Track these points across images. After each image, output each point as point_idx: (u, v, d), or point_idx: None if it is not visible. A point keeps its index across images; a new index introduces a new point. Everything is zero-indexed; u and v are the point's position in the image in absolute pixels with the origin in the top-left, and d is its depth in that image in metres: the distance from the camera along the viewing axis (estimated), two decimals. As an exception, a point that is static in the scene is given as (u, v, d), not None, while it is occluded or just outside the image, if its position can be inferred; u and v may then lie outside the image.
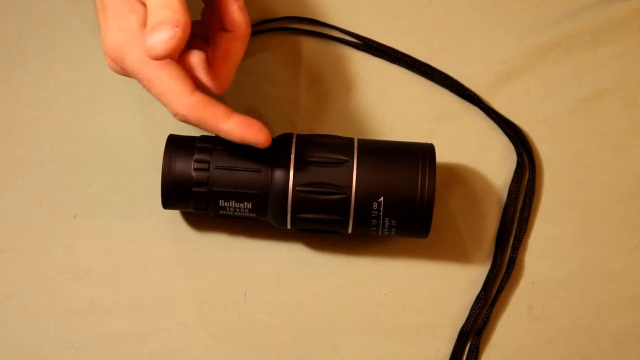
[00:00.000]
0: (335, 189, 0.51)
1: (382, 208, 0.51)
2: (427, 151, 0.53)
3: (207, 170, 0.52)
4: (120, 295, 0.56)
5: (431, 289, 0.57)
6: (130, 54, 0.48)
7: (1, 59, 0.60)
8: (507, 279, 0.56)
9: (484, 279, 0.56)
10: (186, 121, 0.49)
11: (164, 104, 0.49)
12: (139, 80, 0.49)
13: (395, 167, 0.52)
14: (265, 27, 0.61)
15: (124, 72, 0.50)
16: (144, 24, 0.48)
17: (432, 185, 0.51)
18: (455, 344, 0.55)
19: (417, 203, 0.51)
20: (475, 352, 0.55)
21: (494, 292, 0.56)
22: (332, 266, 0.57)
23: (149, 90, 0.49)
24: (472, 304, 0.56)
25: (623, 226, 0.58)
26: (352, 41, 0.61)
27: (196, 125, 0.49)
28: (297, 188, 0.51)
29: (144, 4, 0.47)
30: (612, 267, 0.57)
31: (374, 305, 0.56)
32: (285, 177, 0.51)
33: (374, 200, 0.51)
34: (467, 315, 0.56)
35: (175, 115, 0.49)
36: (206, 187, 0.52)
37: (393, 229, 0.52)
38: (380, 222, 0.52)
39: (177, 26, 0.45)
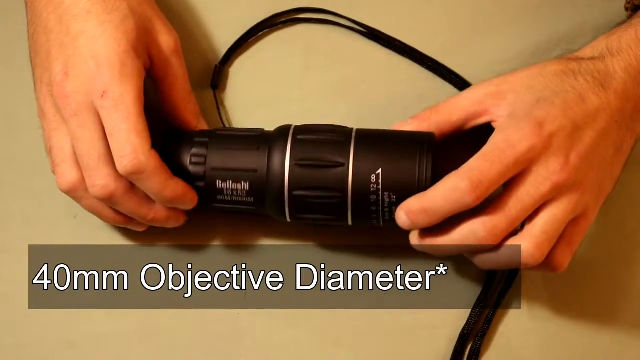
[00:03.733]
0: (332, 192, 0.51)
1: (380, 180, 0.50)
2: (425, 140, 0.51)
3: (203, 165, 0.52)
4: (120, 295, 0.56)
5: (431, 289, 0.57)
6: (126, 85, 0.50)
7: (1, 58, 0.60)
8: (507, 279, 0.56)
9: (484, 280, 0.56)
10: (137, 171, 0.49)
11: (129, 145, 0.49)
12: (114, 112, 0.49)
13: (392, 161, 0.51)
14: (277, 20, 0.62)
15: (78, 108, 0.50)
16: (142, 72, 0.51)
17: (430, 177, 0.50)
18: (455, 344, 0.55)
19: (416, 190, 0.50)
20: (477, 353, 0.55)
21: (495, 292, 0.56)
22: (332, 266, 0.57)
23: (119, 123, 0.49)
24: (472, 304, 0.56)
25: (623, 226, 0.58)
26: (361, 30, 0.61)
27: (145, 178, 0.50)
28: (293, 192, 0.51)
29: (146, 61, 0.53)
30: (612, 267, 0.57)
31: (374, 305, 0.56)
32: (281, 181, 0.51)
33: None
34: (467, 316, 0.56)
35: (135, 159, 0.49)
36: (203, 181, 0.52)
37: (393, 222, 0.51)
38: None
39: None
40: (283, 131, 0.53)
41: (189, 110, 0.55)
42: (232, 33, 0.61)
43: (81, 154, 0.50)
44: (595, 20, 0.61)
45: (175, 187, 0.51)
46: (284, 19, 0.62)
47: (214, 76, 0.60)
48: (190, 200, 0.52)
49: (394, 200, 0.50)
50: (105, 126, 0.50)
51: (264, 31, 0.61)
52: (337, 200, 0.51)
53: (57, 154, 0.52)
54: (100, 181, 0.50)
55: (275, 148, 0.52)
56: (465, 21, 0.62)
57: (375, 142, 0.51)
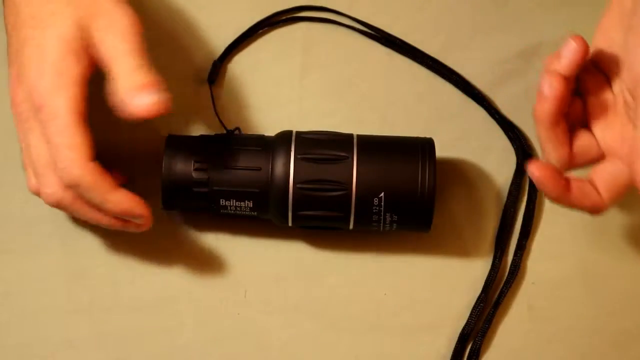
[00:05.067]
0: (336, 185, 0.51)
1: (382, 203, 0.52)
2: (426, 145, 0.53)
3: (207, 170, 0.52)
4: (120, 295, 0.56)
5: (432, 289, 0.57)
6: (61, 98, 0.48)
7: (1, 59, 0.60)
8: (507, 280, 0.56)
9: (484, 280, 0.56)
10: (73, 184, 0.48)
11: (63, 159, 0.48)
12: (49, 126, 0.48)
13: (395, 162, 0.52)
14: (276, 19, 0.62)
15: (28, 115, 0.49)
16: (84, 77, 0.49)
17: (432, 178, 0.51)
18: (455, 344, 0.55)
19: (418, 196, 0.51)
20: (477, 353, 0.55)
21: (495, 293, 0.56)
22: (332, 266, 0.57)
23: (53, 137, 0.48)
24: (472, 304, 0.56)
25: (623, 226, 0.58)
26: (361, 29, 0.61)
27: (83, 191, 0.49)
28: (298, 185, 0.51)
29: (93, 59, 0.49)
30: (612, 267, 0.57)
31: (374, 304, 0.56)
32: (286, 174, 0.52)
33: (375, 195, 0.51)
34: (467, 316, 0.56)
35: (69, 174, 0.48)
36: (207, 187, 0.52)
37: (394, 224, 0.52)
38: (382, 217, 0.52)
39: (160, 90, 0.48)
40: (285, 134, 0.53)
41: (127, 85, 0.48)
42: (233, 31, 0.61)
43: (31, 161, 0.50)
44: (596, 20, 0.61)
45: (119, 201, 0.50)
46: (284, 17, 0.62)
47: (211, 72, 0.60)
48: (139, 213, 0.51)
49: (396, 200, 0.52)
50: (45, 138, 0.49)
51: (264, 29, 0.61)
52: (342, 193, 0.51)
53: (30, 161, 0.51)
54: (48, 189, 0.50)
55: (280, 146, 0.52)
56: (466, 21, 0.62)
57: (378, 146, 0.53)
